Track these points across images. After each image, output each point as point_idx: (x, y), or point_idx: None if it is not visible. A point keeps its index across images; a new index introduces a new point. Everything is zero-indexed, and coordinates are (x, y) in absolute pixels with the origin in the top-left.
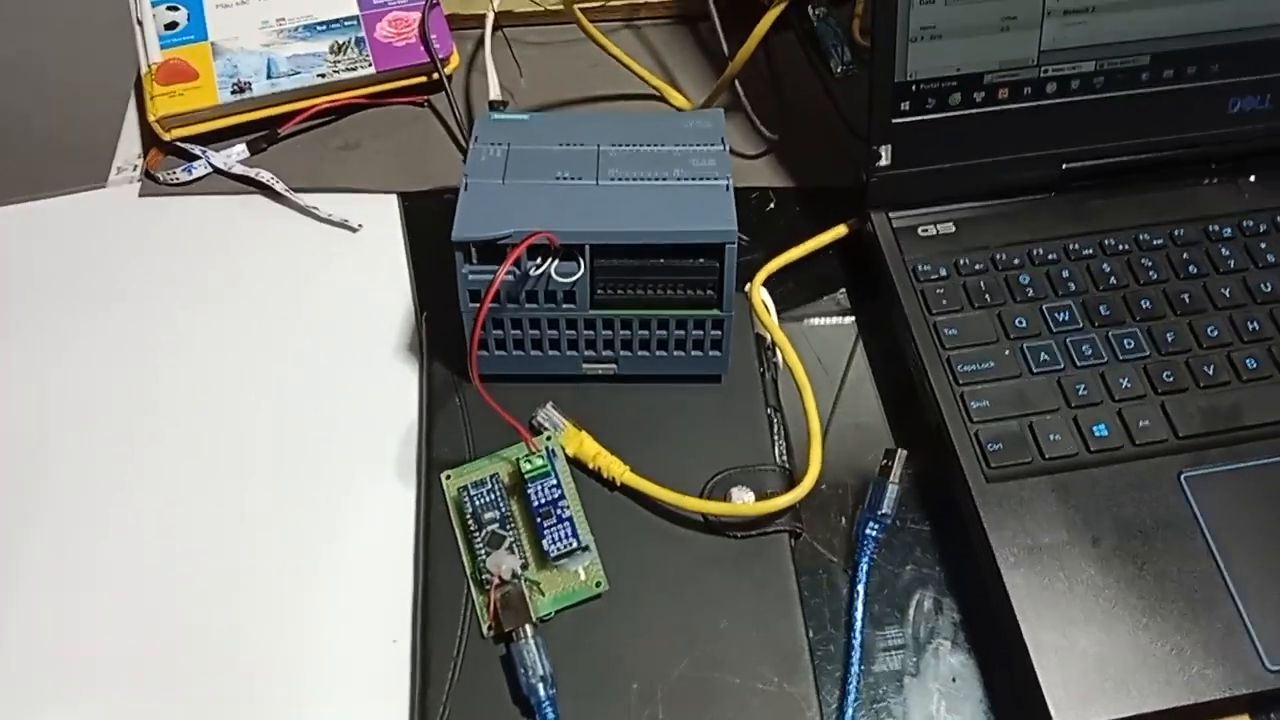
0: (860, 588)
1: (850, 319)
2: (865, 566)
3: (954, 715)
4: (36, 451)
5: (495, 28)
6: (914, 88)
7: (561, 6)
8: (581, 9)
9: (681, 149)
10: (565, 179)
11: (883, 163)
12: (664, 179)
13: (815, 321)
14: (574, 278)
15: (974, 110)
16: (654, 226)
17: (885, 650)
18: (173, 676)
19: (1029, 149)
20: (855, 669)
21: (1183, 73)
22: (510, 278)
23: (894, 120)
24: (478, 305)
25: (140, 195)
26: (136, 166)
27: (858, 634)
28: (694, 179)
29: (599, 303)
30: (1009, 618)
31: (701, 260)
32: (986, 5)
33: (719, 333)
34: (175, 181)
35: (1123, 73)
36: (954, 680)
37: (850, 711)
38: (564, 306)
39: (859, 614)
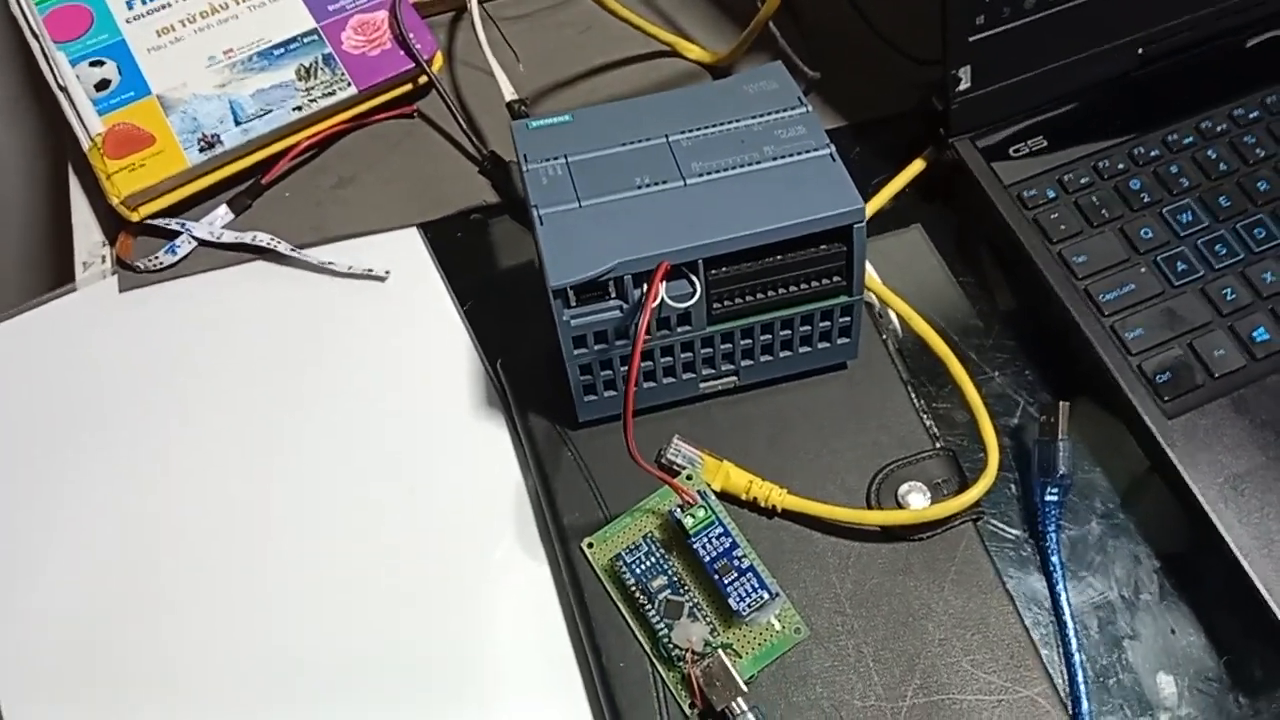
0: (1056, 559)
1: (940, 258)
2: (1055, 536)
3: (1185, 669)
4: (128, 588)
5: (467, 7)
6: None
7: None
8: None
9: (760, 121)
10: (648, 186)
11: (964, 86)
12: (757, 162)
13: (909, 270)
14: (691, 301)
15: (1049, 10)
16: (772, 223)
17: (1095, 617)
18: None
19: (1105, 40)
20: (1076, 649)
21: None
22: (617, 313)
23: (970, 38)
24: (584, 351)
25: (121, 290)
26: (105, 258)
27: (1067, 611)
28: (791, 155)
29: (717, 317)
30: (1228, 558)
31: (825, 247)
32: None
33: (848, 319)
34: (158, 267)
35: None
36: (1173, 632)
37: (1085, 698)
38: (679, 330)
39: (1061, 588)
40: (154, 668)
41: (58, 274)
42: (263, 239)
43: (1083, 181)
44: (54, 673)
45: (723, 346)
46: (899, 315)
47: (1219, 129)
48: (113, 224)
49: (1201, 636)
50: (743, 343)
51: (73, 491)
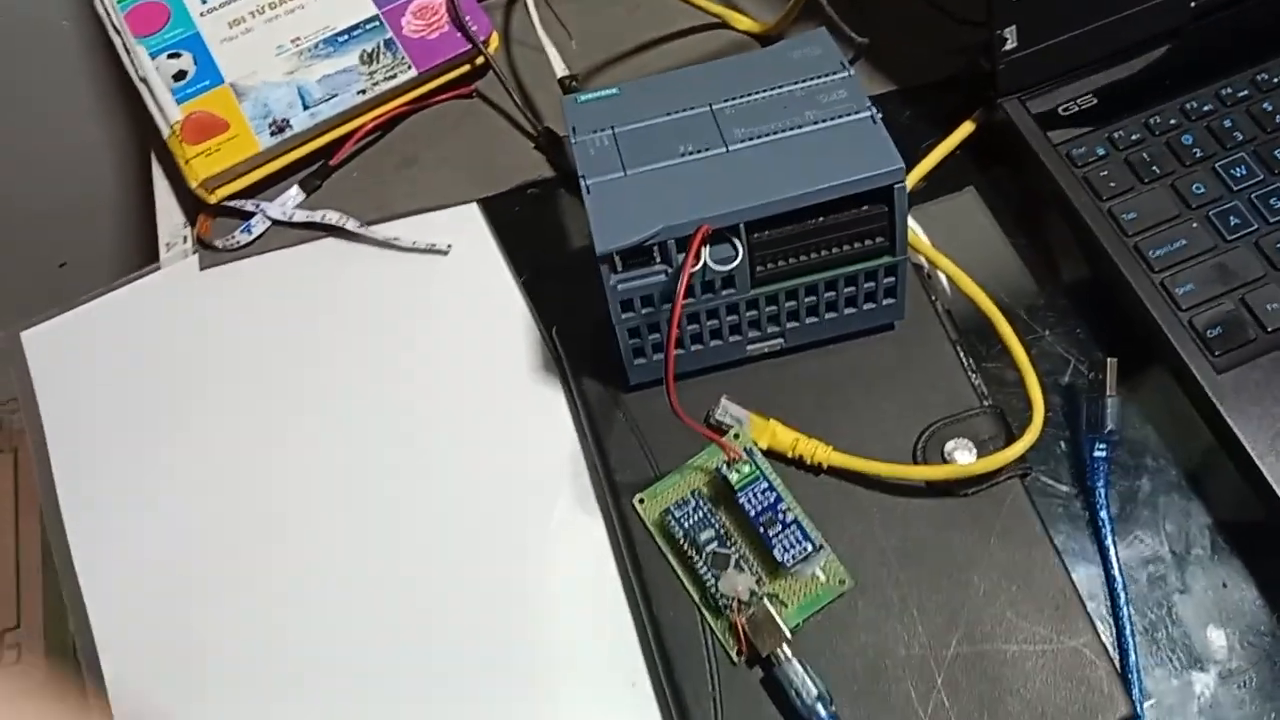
0: (1104, 514)
1: (992, 220)
2: (1103, 491)
3: (1236, 622)
4: (208, 551)
5: None
6: None
7: None
8: None
9: (802, 86)
10: (691, 153)
11: (1010, 45)
12: (799, 127)
13: (962, 233)
14: (733, 264)
15: None
16: (811, 185)
17: (1145, 572)
18: None
19: None
20: (1124, 603)
21: None
22: (662, 277)
23: None
24: (631, 315)
25: (202, 268)
26: (186, 238)
27: (1115, 564)
28: (832, 119)
29: (760, 280)
30: (1278, 511)
31: (867, 208)
32: None
33: (892, 279)
34: (236, 246)
35: None
36: (1224, 586)
37: (1132, 650)
38: (723, 293)
39: (1110, 542)
40: (231, 623)
41: (144, 254)
42: (332, 217)
43: (1133, 138)
44: (146, 639)
45: (768, 309)
46: (948, 276)
47: (1276, 81)
48: (192, 207)
49: (1254, 590)
50: (787, 305)
51: (162, 458)
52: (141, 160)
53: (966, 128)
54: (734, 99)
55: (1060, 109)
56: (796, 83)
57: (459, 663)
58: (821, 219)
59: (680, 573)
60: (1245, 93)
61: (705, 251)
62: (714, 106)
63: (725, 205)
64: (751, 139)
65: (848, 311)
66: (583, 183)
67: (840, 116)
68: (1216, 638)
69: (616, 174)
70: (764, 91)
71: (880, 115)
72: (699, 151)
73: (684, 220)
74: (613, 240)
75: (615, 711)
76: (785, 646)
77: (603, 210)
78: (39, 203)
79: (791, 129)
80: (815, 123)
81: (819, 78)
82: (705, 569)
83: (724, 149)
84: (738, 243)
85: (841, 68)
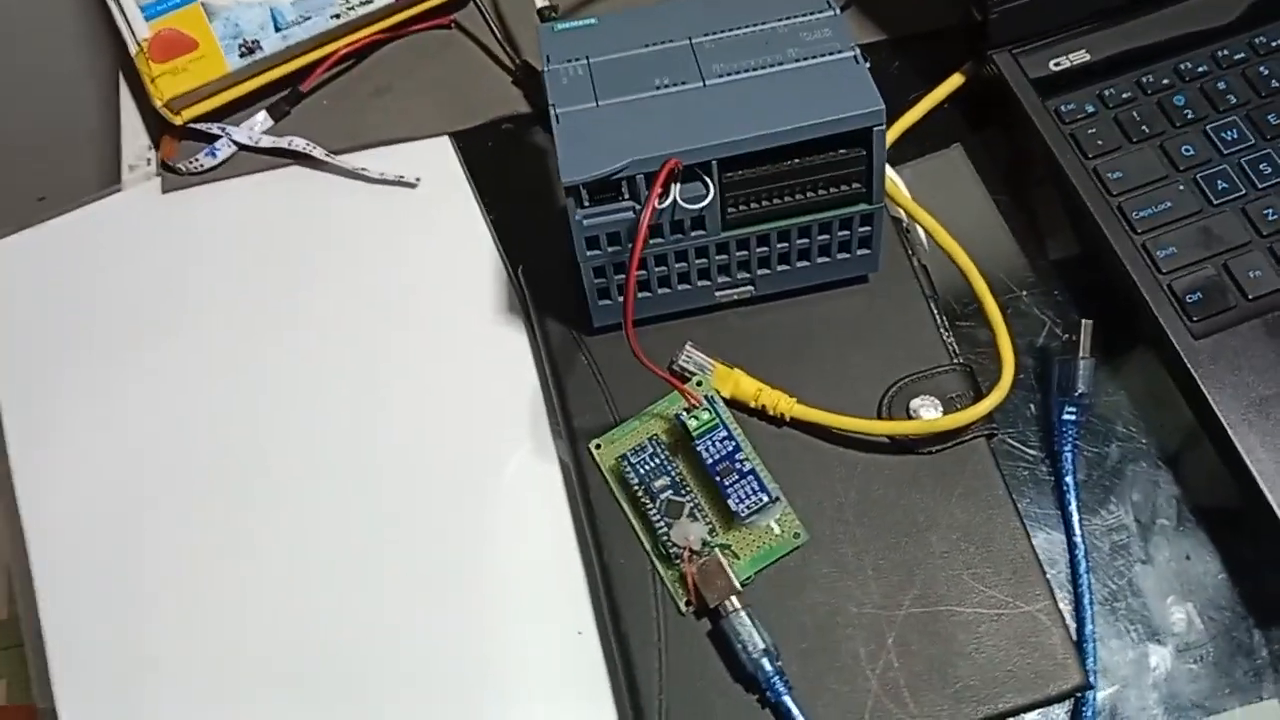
0: (1070, 480)
1: (978, 177)
2: (1070, 456)
3: (1198, 596)
4: (156, 481)
5: None
6: None
7: None
8: None
9: (785, 23)
10: (667, 86)
11: None
12: (779, 64)
13: (945, 189)
14: (703, 202)
15: None
16: (788, 123)
17: (1108, 541)
18: (340, 694)
19: None
20: (1084, 571)
21: None
22: (630, 214)
23: None
24: (598, 252)
25: (164, 191)
26: (150, 160)
27: (1077, 530)
28: (813, 56)
29: (731, 222)
30: (1248, 483)
31: (844, 151)
32: None
33: (868, 229)
34: (200, 170)
35: None
36: (1188, 558)
37: (1089, 620)
38: (693, 235)
39: (1073, 508)
40: (174, 554)
41: (108, 176)
42: (299, 144)
43: (1124, 96)
44: (88, 571)
45: (738, 254)
46: (926, 230)
47: (1273, 44)
48: (158, 129)
49: (1217, 564)
50: (759, 251)
51: (114, 382)
52: (108, 78)
53: (955, 80)
54: (714, 33)
55: (1052, 63)
56: (780, 20)
57: (405, 602)
58: (796, 161)
59: (633, 520)
60: (1241, 55)
61: (675, 189)
62: (693, 40)
63: (697, 140)
64: (729, 74)
65: (821, 260)
66: (552, 111)
67: (822, 55)
68: (1176, 611)
69: (588, 104)
70: (746, 27)
71: (864, 57)
72: (675, 85)
73: (654, 154)
74: (580, 171)
75: (561, 659)
76: (734, 598)
77: (572, 141)
78: (13, 134)
79: (771, 66)
80: (796, 60)
81: (803, 15)
82: (659, 517)
83: (700, 84)
84: (709, 181)
85: (827, 6)
